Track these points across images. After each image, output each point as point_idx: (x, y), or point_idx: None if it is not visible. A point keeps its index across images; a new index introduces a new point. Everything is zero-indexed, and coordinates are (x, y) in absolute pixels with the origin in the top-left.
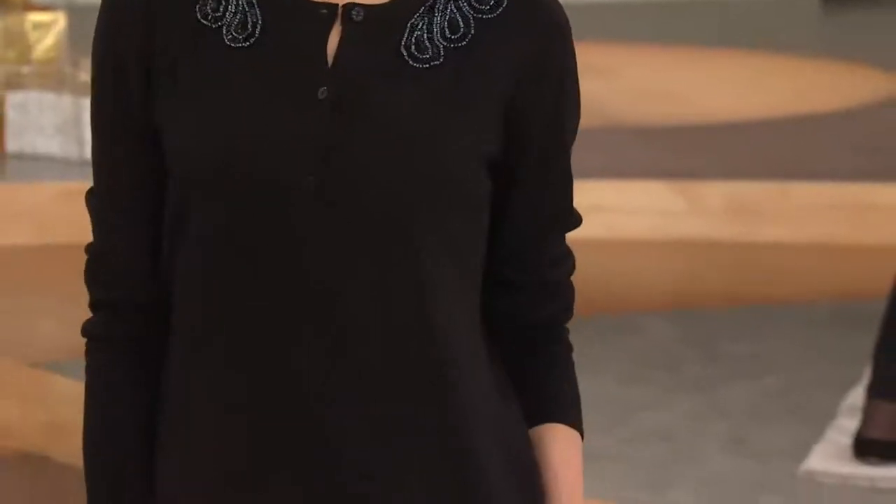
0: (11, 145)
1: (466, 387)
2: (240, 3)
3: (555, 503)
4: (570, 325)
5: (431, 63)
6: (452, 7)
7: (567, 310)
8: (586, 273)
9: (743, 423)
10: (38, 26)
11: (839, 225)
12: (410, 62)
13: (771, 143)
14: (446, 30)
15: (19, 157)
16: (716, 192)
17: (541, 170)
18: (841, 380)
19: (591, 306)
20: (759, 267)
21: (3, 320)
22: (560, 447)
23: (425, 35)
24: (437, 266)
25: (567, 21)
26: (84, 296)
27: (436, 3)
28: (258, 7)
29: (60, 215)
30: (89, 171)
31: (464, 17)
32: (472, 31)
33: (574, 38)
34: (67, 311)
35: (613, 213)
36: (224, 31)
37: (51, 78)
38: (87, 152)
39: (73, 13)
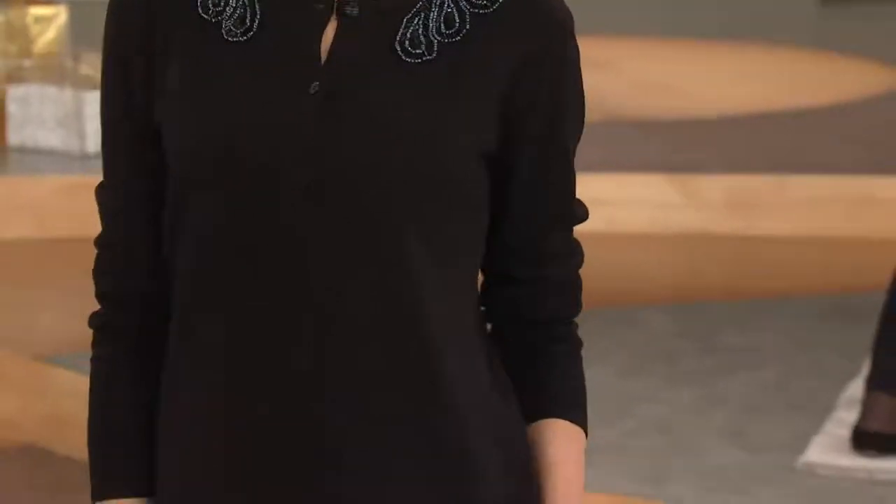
0: (13, 138)
1: (464, 386)
2: None
3: (550, 499)
4: None
5: (423, 58)
6: (449, 2)
7: (569, 306)
8: (585, 266)
9: (742, 416)
10: (39, 20)
11: (838, 218)
12: (403, 57)
13: (770, 136)
14: (442, 25)
15: (20, 150)
16: (715, 186)
17: (540, 170)
18: (840, 372)
19: (589, 299)
20: (758, 260)
21: (4, 313)
22: (559, 442)
23: (420, 30)
24: (430, 262)
25: (569, 18)
26: (84, 288)
27: None
28: (257, 2)
29: (61, 209)
30: (90, 164)
31: (460, 12)
32: (468, 27)
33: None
34: (68, 304)
35: (612, 206)
36: (223, 26)
37: (52, 71)
38: (88, 146)
39: (75, 7)
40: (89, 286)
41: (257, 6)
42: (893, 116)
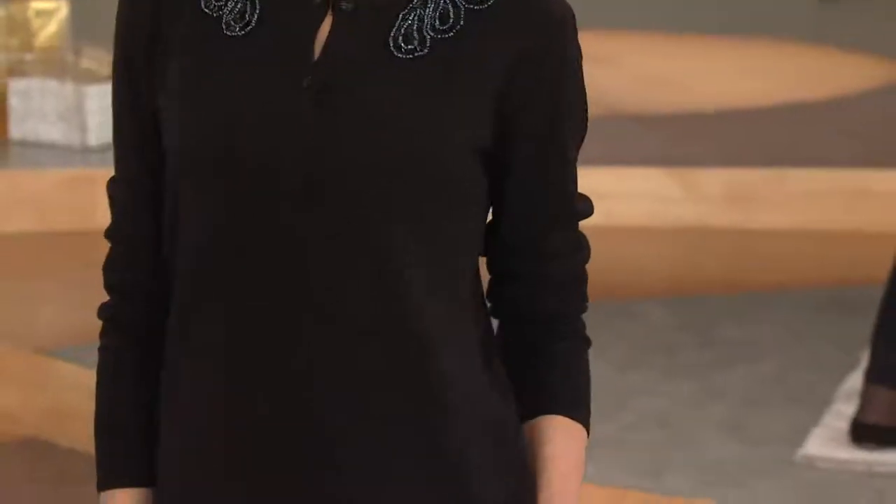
0: (14, 132)
1: (462, 386)
2: None
3: (544, 495)
4: None
5: (415, 54)
6: None
7: (572, 303)
8: None
9: (740, 409)
10: (40, 14)
11: (836, 211)
12: (395, 53)
13: (769, 130)
14: (436, 21)
15: (22, 143)
16: (713, 179)
17: (538, 169)
18: (838, 365)
19: (588, 292)
20: (757, 253)
21: (5, 307)
22: (557, 439)
23: (415, 26)
24: (426, 259)
25: (569, 15)
26: (85, 281)
27: None
28: None
29: (62, 202)
30: (91, 158)
31: (455, 7)
32: (461, 23)
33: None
34: (69, 297)
35: (611, 199)
36: (223, 21)
37: (53, 65)
38: (90, 139)
39: (76, 1)
40: (90, 279)
41: (257, 1)
42: (891, 110)
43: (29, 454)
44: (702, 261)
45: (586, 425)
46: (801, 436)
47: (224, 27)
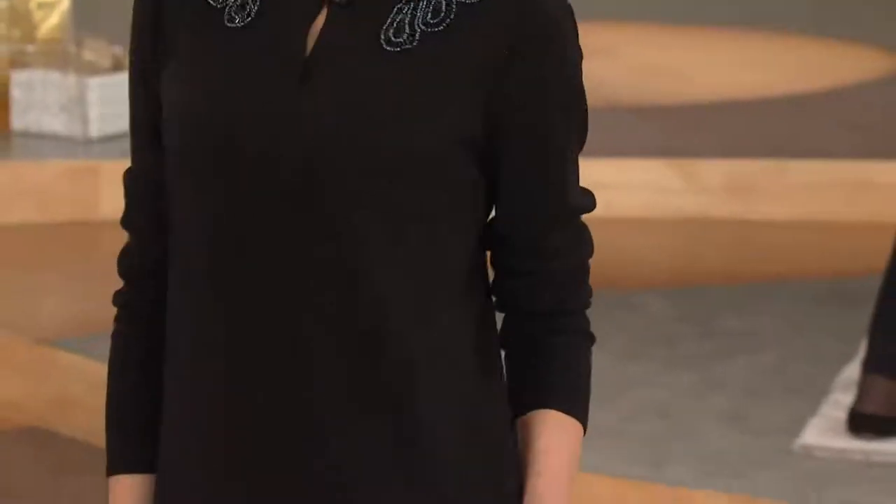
0: (16, 123)
1: (441, 380)
2: None
3: (531, 488)
4: None
5: (403, 47)
6: None
7: (570, 299)
8: None
9: (740, 399)
10: (42, 5)
11: (836, 202)
12: (384, 46)
13: (769, 121)
14: (429, 15)
15: (24, 135)
16: (714, 170)
17: (532, 168)
18: (837, 356)
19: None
20: (757, 244)
21: (7, 297)
22: (549, 432)
23: (407, 20)
24: (401, 247)
25: (564, 11)
26: (87, 272)
27: None
28: None
29: (64, 193)
30: (93, 149)
31: (448, 2)
32: (452, 17)
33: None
34: (71, 287)
35: (611, 190)
36: (225, 13)
37: (55, 57)
38: (91, 131)
39: None
40: (92, 270)
41: None
42: (891, 102)
43: (30, 443)
44: (702, 252)
45: (583, 421)
46: (800, 426)
47: (226, 19)
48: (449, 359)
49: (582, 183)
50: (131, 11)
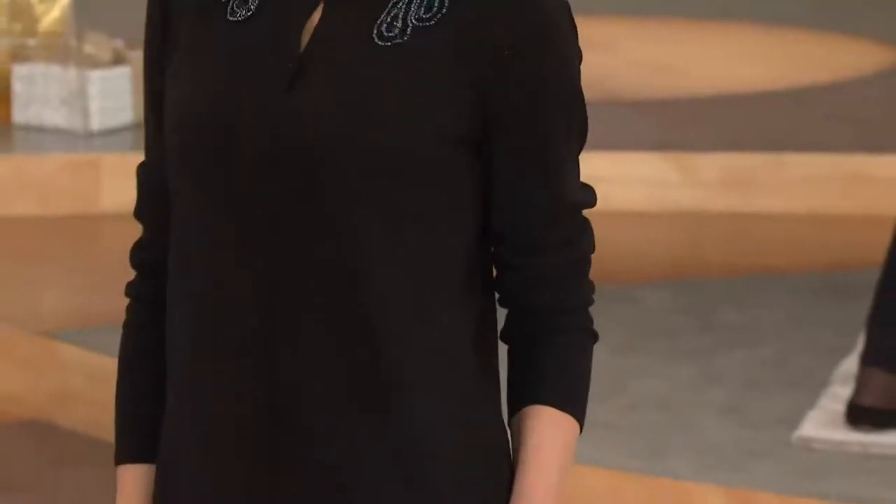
0: (18, 117)
1: (429, 379)
2: None
3: (518, 483)
4: None
5: (394, 41)
6: None
7: (566, 297)
8: None
9: (738, 392)
10: (43, 0)
11: (834, 196)
12: (376, 41)
13: (767, 115)
14: (422, 10)
15: (25, 128)
16: (712, 164)
17: (531, 167)
18: (836, 348)
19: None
20: (755, 237)
21: (8, 290)
22: (541, 429)
23: (401, 14)
24: (389, 241)
25: (561, 10)
26: (87, 265)
27: None
28: None
29: (65, 186)
30: (94, 142)
31: None
32: (443, 11)
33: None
34: (72, 281)
35: (609, 184)
36: (228, 6)
37: (56, 50)
38: (92, 124)
39: None
40: (92, 263)
41: None
42: (889, 95)
43: (31, 435)
44: (700, 245)
45: (578, 418)
46: (800, 419)
47: (228, 13)
48: (449, 358)
49: (580, 177)
50: (131, 6)
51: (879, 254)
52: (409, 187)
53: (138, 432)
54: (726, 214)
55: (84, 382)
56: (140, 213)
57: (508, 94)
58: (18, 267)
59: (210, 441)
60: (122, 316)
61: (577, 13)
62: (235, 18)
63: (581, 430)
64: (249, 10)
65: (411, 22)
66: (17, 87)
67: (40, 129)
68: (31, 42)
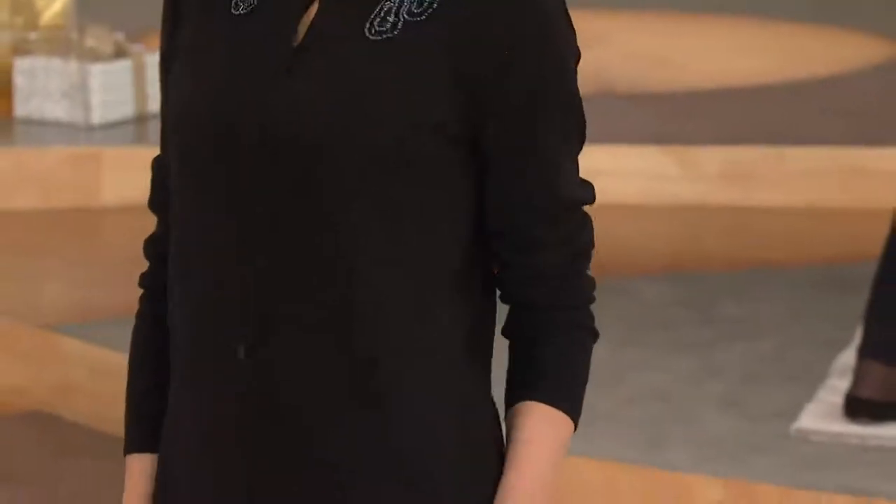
0: (19, 110)
1: (437, 378)
2: None
3: (504, 477)
4: None
5: (384, 35)
6: None
7: (563, 295)
8: None
9: (738, 385)
10: None
11: (833, 189)
12: (368, 35)
13: (765, 108)
14: (413, 4)
15: (27, 122)
16: (711, 157)
17: (524, 164)
18: (835, 341)
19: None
20: (754, 231)
21: (10, 284)
22: (531, 424)
23: (394, 9)
24: (379, 236)
25: (556, 5)
26: (88, 259)
27: None
28: None
29: (66, 180)
30: (95, 136)
31: None
32: (434, 6)
33: (567, 4)
34: (73, 274)
35: (607, 177)
36: (232, 0)
37: (58, 44)
38: (93, 117)
39: None
40: (94, 256)
41: None
42: (887, 89)
43: (33, 427)
44: (699, 238)
45: (572, 416)
46: (796, 411)
47: (232, 6)
48: (448, 357)
49: (579, 173)
50: None
51: (878, 247)
52: (406, 184)
53: (147, 422)
54: (725, 208)
55: (85, 375)
56: (154, 205)
57: (507, 94)
58: (20, 260)
59: (210, 440)
60: (123, 309)
61: (571, 6)
62: (238, 12)
63: (576, 429)
64: (251, 3)
65: (403, 17)
66: (19, 80)
67: (41, 123)
68: (33, 35)
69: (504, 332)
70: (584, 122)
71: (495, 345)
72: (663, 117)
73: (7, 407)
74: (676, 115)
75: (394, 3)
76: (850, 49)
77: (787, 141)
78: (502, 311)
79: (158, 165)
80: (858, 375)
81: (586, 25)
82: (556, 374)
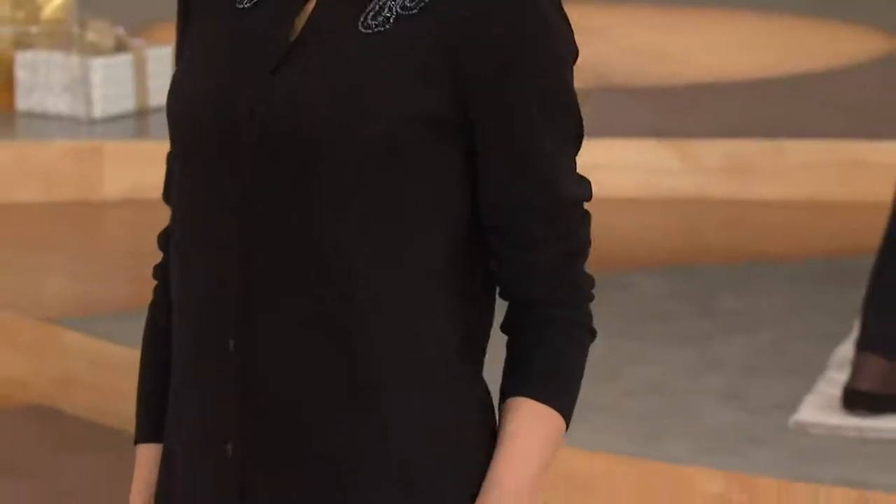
0: (21, 104)
1: (436, 377)
2: None
3: (491, 469)
4: None
5: (376, 29)
6: None
7: (559, 292)
8: None
9: (737, 378)
10: None
11: (832, 182)
12: (361, 29)
13: (764, 102)
14: None
15: (28, 115)
16: (711, 150)
17: (524, 163)
18: (834, 334)
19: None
20: (753, 224)
21: (12, 277)
22: (521, 419)
23: (387, 4)
24: (375, 237)
25: (554, 4)
26: (90, 252)
27: None
28: None
29: (68, 173)
30: (96, 129)
31: None
32: (426, 0)
33: None
34: (75, 267)
35: (605, 171)
36: None
37: (59, 38)
38: (95, 111)
39: None
40: (95, 250)
41: None
42: (886, 82)
43: (34, 420)
44: (698, 231)
45: (564, 413)
46: (795, 403)
47: (236, 1)
48: (448, 357)
49: (579, 163)
50: None
51: (877, 240)
52: (403, 181)
53: (157, 413)
54: (724, 201)
55: (86, 368)
56: (165, 197)
57: (507, 94)
58: (21, 253)
59: (210, 437)
60: (125, 302)
61: (569, 0)
62: (242, 6)
63: (567, 427)
64: None
65: (396, 11)
66: (20, 74)
67: (43, 116)
68: (34, 29)
69: (502, 328)
70: (582, 120)
71: (494, 341)
72: (662, 111)
73: (8, 400)
74: (675, 108)
75: None
76: (850, 43)
77: (786, 134)
78: (501, 307)
79: (172, 159)
80: (856, 368)
81: (585, 19)
82: (550, 372)
